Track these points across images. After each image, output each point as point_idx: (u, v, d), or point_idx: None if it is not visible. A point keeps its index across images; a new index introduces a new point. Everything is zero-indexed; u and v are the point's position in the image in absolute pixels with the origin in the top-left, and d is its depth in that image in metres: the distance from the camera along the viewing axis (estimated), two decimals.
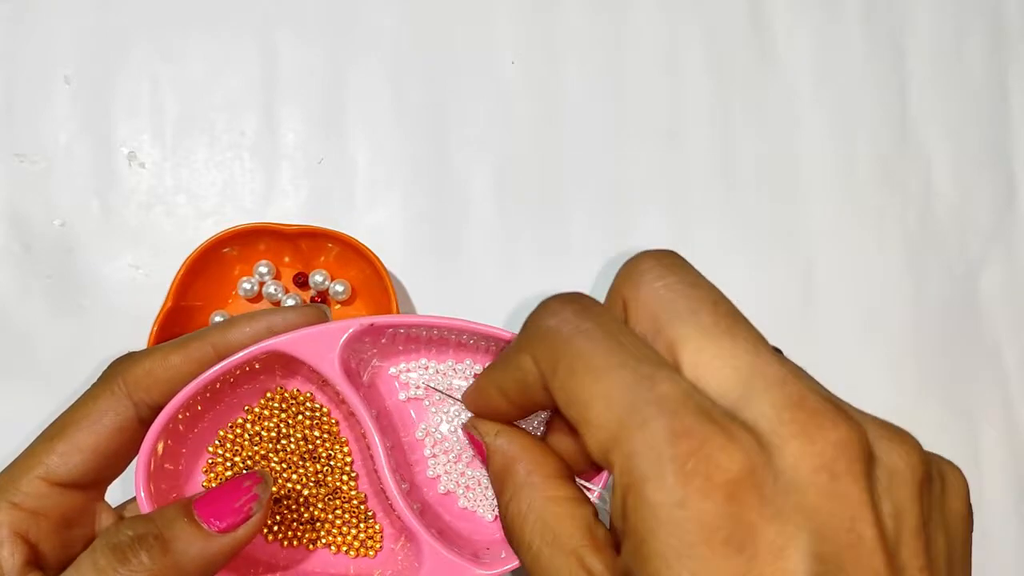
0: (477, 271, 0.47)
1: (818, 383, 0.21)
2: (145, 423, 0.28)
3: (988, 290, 0.49)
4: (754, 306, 0.47)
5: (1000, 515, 0.47)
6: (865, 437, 0.20)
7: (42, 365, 0.45)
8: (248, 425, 0.31)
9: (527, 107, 0.48)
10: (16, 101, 0.46)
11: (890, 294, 0.48)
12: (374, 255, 0.42)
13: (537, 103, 0.48)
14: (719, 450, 0.19)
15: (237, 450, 0.30)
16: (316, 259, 0.45)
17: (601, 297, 0.23)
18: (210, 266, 0.43)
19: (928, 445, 0.22)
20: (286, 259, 0.45)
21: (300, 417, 0.31)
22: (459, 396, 0.31)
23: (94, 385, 0.28)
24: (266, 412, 0.31)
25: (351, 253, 0.43)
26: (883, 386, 0.48)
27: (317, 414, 0.31)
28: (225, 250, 0.43)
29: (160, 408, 0.28)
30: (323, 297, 0.45)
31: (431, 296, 0.46)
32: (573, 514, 0.23)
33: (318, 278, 0.44)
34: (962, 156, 0.49)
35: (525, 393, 0.23)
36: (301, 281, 0.45)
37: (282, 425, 0.31)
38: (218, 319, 0.44)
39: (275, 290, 0.44)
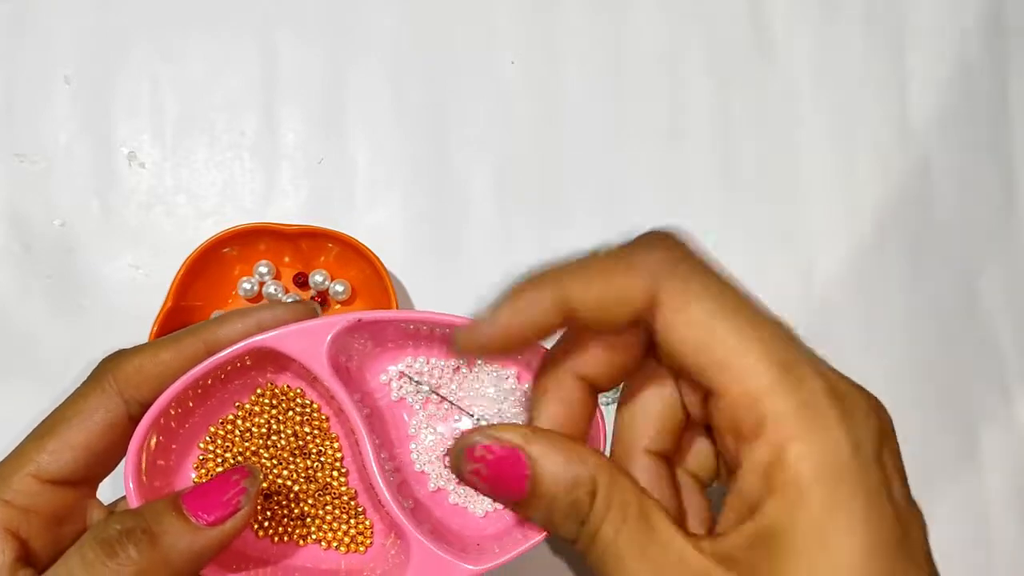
0: (477, 271, 0.47)
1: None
2: (136, 420, 0.28)
3: (988, 290, 0.49)
4: None
5: (1000, 515, 0.47)
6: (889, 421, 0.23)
7: (42, 365, 0.45)
8: (239, 421, 0.31)
9: (527, 107, 0.48)
10: (16, 101, 0.46)
11: (890, 294, 0.48)
12: (374, 255, 0.42)
13: (537, 103, 0.48)
14: (863, 402, 0.22)
15: (228, 446, 0.30)
16: (316, 259, 0.45)
17: None
18: (210, 266, 0.43)
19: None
20: (286, 259, 0.45)
21: (291, 413, 0.31)
22: (446, 393, 0.31)
23: (84, 383, 0.28)
24: (256, 408, 0.31)
25: (351, 253, 0.43)
26: (882, 386, 0.48)
27: (307, 410, 0.31)
28: (225, 250, 0.43)
29: (150, 405, 0.28)
30: (323, 297, 0.45)
31: (431, 296, 0.46)
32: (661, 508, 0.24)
33: (318, 278, 0.44)
34: (962, 156, 0.49)
35: (608, 313, 0.22)
36: (301, 281, 0.45)
37: (272, 421, 0.31)
38: None
39: (275, 290, 0.44)
